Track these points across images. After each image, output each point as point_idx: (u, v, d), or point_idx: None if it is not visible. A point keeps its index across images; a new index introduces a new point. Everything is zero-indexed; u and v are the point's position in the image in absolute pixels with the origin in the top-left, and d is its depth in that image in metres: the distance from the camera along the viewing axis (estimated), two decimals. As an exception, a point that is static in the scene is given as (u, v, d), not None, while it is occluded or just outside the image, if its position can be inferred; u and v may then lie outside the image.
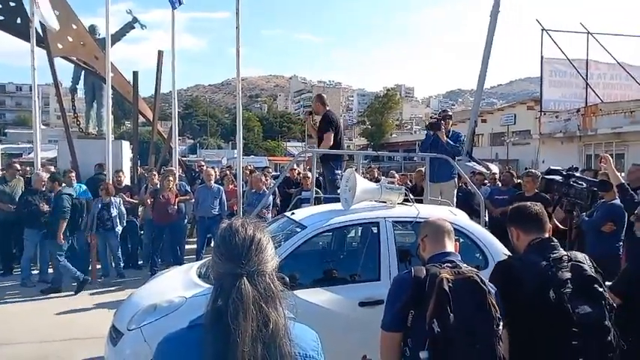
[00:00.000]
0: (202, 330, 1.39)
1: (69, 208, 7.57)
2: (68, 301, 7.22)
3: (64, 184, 8.13)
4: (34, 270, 8.34)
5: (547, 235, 2.59)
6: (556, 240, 2.56)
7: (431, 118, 7.97)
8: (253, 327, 1.35)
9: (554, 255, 2.44)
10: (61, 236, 7.47)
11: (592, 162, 17.09)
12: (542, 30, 17.70)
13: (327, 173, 6.86)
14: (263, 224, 1.55)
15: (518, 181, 8.59)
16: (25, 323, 6.28)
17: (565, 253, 2.48)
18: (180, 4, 10.84)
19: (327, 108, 7.19)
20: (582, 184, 5.02)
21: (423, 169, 9.52)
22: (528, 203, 2.74)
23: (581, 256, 2.50)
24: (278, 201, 9.19)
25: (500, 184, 8.99)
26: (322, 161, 6.89)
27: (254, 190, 9.18)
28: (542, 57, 18.23)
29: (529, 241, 2.56)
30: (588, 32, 18.00)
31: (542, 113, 20.17)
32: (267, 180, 10.22)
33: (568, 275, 2.36)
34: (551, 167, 5.61)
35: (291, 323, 1.44)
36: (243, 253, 1.43)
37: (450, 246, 2.43)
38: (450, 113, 8.01)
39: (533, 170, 8.19)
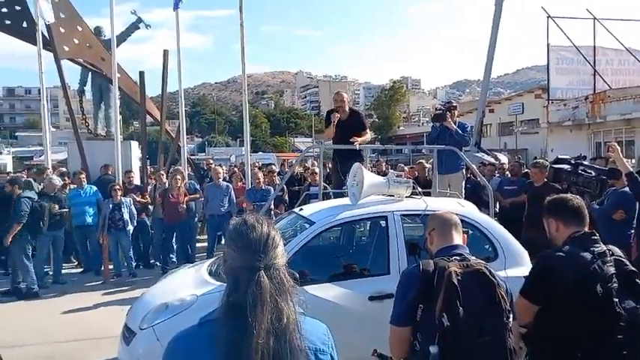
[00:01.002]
0: (215, 325, 1.41)
1: (27, 212, 7.46)
2: (81, 302, 7.28)
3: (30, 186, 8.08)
4: (47, 270, 8.44)
5: (587, 229, 2.60)
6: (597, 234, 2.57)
7: (436, 110, 7.90)
8: (269, 320, 1.37)
9: (598, 249, 2.45)
10: (9, 238, 7.40)
11: (601, 150, 16.92)
12: (547, 17, 17.53)
13: None
14: (273, 221, 1.61)
15: (527, 170, 8.55)
16: (37, 324, 6.35)
17: (606, 247, 2.48)
18: (181, 1, 10.86)
19: None
20: (591, 173, 5.01)
21: (423, 161, 9.56)
22: (569, 196, 2.79)
23: (618, 250, 2.52)
24: (286, 197, 9.20)
25: (509, 175, 8.94)
26: (347, 158, 6.38)
27: (252, 186, 9.20)
28: (548, 45, 18.07)
29: (570, 234, 2.56)
30: (595, 18, 17.81)
31: (550, 102, 20.01)
32: (274, 176, 10.22)
33: (613, 270, 2.37)
34: (559, 156, 5.59)
35: (301, 318, 1.46)
36: (260, 247, 1.46)
37: (458, 239, 2.43)
38: (455, 104, 7.97)
39: (540, 160, 8.14)
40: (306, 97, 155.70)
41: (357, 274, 4.42)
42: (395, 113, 66.39)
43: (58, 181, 8.47)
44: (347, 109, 6.76)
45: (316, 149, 11.05)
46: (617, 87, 18.22)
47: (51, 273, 8.44)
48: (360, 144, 6.33)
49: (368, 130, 7.02)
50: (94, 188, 9.08)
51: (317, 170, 8.56)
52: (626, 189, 5.33)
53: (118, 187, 8.75)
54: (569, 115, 19.43)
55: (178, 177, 9.01)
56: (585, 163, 5.57)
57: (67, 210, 8.38)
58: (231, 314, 1.39)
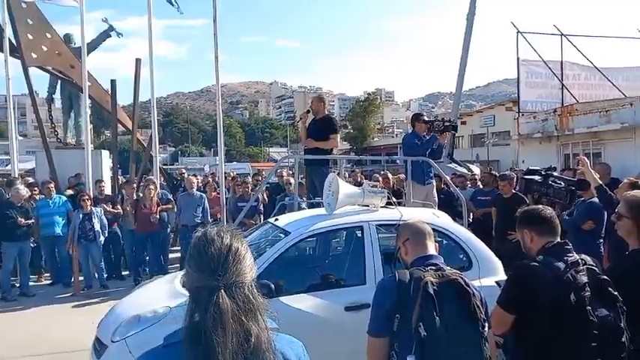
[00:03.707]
0: (181, 347, 1.32)
1: None
2: (50, 314, 7.10)
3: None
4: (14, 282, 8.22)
5: (559, 239, 2.64)
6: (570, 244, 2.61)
7: (441, 120, 7.77)
8: (234, 342, 1.28)
9: (571, 258, 2.49)
10: None
11: (570, 161, 17.34)
12: (517, 32, 17.95)
13: (320, 178, 6.84)
14: (240, 232, 1.47)
15: (499, 181, 8.69)
16: (5, 338, 6.14)
17: (578, 256, 2.53)
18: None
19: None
20: (561, 184, 5.13)
21: (389, 172, 9.71)
22: (541, 206, 2.84)
23: (590, 260, 2.56)
24: (262, 207, 9.14)
25: (481, 186, 9.08)
26: (312, 166, 6.88)
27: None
28: (518, 59, 18.48)
29: (543, 244, 2.60)
30: (562, 34, 18.30)
31: (521, 114, 20.46)
32: (247, 186, 10.15)
33: (585, 279, 2.41)
34: (530, 167, 5.71)
35: (274, 335, 1.38)
36: (219, 265, 1.34)
37: (432, 248, 2.44)
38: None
39: (507, 172, 8.29)
40: (280, 107, 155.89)
41: (333, 284, 4.41)
42: (369, 124, 66.78)
43: (25, 191, 8.25)
44: (324, 110, 7.18)
45: (291, 159, 11.06)
46: (583, 101, 18.72)
47: (18, 285, 8.20)
48: (319, 147, 6.77)
49: (337, 136, 7.17)
50: (64, 198, 8.89)
51: (292, 180, 8.56)
52: (595, 199, 5.46)
53: (87, 196, 8.57)
54: (538, 127, 19.82)
55: (151, 187, 8.88)
56: (555, 174, 5.69)
57: (33, 221, 8.17)
58: (195, 337, 1.30)
